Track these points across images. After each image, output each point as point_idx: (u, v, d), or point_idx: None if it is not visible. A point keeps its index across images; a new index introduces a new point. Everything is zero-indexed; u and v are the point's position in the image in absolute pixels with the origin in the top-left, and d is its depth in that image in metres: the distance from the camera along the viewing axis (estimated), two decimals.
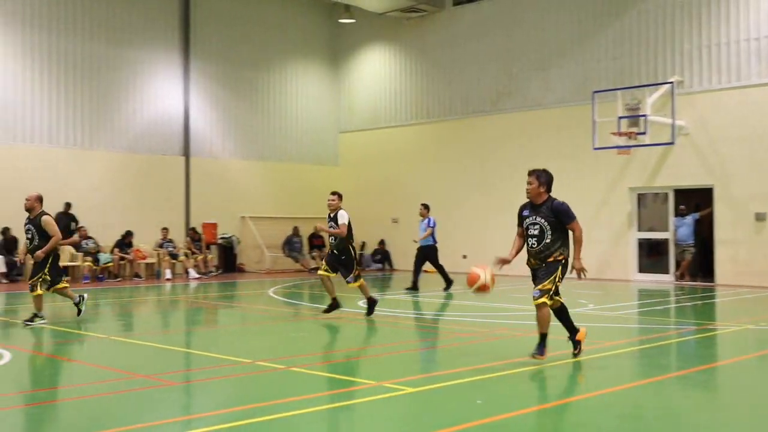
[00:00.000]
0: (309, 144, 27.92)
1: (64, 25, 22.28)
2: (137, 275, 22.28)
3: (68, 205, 20.98)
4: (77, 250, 21.15)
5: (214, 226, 24.81)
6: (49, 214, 11.88)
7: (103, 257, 21.44)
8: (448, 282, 17.57)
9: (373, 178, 27.24)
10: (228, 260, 24.97)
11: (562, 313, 8.40)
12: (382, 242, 26.99)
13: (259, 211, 26.07)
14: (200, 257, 23.45)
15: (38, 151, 21.58)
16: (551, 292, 8.14)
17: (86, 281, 20.71)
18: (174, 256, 22.81)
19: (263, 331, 12.06)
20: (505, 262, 8.42)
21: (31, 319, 11.70)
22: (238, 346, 10.26)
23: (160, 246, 22.97)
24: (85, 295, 12.72)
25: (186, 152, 24.76)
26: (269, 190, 26.56)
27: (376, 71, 27.83)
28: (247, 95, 26.42)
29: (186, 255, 23.17)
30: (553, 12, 23.15)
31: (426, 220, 17.70)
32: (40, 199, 11.93)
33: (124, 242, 22.13)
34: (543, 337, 8.25)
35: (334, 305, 12.50)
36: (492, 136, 24.28)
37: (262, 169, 26.52)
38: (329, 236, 12.62)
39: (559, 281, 8.23)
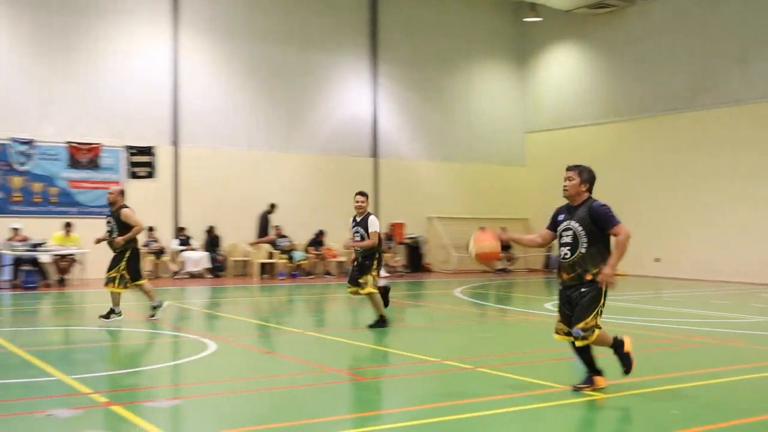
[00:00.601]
0: (495, 144, 27.84)
1: (263, 34, 23.53)
2: (328, 273, 23.13)
3: (272, 206, 22.16)
4: (274, 248, 22.24)
5: (402, 226, 25.28)
6: (129, 207, 11.72)
7: (297, 255, 22.40)
8: None
9: (561, 179, 26.65)
10: (414, 260, 25.37)
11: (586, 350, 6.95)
12: None
13: (445, 212, 26.30)
14: (389, 257, 23.97)
15: (239, 154, 22.92)
16: (597, 326, 6.75)
17: (282, 277, 21.76)
18: None
19: (450, 330, 12.16)
20: (504, 234, 7.41)
21: (107, 316, 11.73)
22: (426, 344, 10.41)
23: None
24: (165, 303, 12.31)
25: (374, 154, 25.43)
26: (455, 191, 26.73)
27: (563, 69, 27.31)
28: (433, 97, 26.74)
29: None
30: (752, 1, 21.76)
31: None
32: (122, 193, 11.96)
33: (317, 241, 23.03)
34: (614, 344, 7.01)
35: (381, 321, 11.24)
36: (687, 135, 23.15)
37: (448, 169, 26.74)
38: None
39: (602, 313, 6.81)
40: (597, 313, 6.74)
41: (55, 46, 20.64)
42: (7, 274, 18.13)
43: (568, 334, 6.92)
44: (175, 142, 22.21)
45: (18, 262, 18.09)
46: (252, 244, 20.22)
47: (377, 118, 25.54)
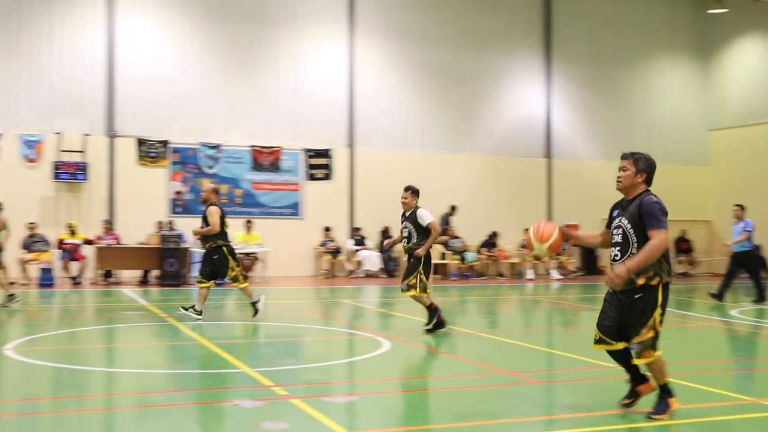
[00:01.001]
0: (675, 143, 26.68)
1: (435, 37, 23.78)
2: (500, 274, 23.03)
3: (453, 208, 22.43)
4: (446, 249, 22.41)
5: (576, 227, 24.74)
6: (217, 206, 11.88)
7: (470, 256, 22.45)
8: (761, 295, 15.51)
9: (748, 179, 25.25)
10: (589, 262, 24.77)
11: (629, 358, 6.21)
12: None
13: None
14: (564, 259, 23.50)
15: (412, 156, 23.27)
16: (655, 341, 5.95)
17: (454, 278, 21.90)
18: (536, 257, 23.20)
19: None
20: (570, 230, 6.71)
21: (190, 310, 11.79)
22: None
23: (523, 247, 23.45)
24: (262, 297, 12.26)
25: (548, 154, 25.06)
26: None
27: (750, 63, 25.79)
28: (609, 94, 26.00)
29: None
30: None
31: (741, 223, 15.67)
32: (215, 191, 12.16)
33: (490, 242, 22.98)
34: (663, 387, 6.14)
35: (437, 321, 10.77)
36: None
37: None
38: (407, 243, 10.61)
39: (661, 323, 5.97)
40: (652, 325, 5.90)
41: (240, 56, 21.81)
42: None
43: (604, 342, 6.18)
44: (351, 145, 22.87)
45: None
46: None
47: (550, 118, 25.15)
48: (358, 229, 22.50)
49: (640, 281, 5.91)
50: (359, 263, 22.02)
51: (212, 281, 11.84)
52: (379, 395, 7.19)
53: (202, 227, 11.81)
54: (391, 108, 23.35)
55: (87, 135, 20.21)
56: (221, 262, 11.71)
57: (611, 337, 6.12)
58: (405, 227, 10.67)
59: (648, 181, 6.14)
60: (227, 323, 12.68)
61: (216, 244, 11.74)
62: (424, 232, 10.46)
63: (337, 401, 6.81)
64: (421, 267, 10.46)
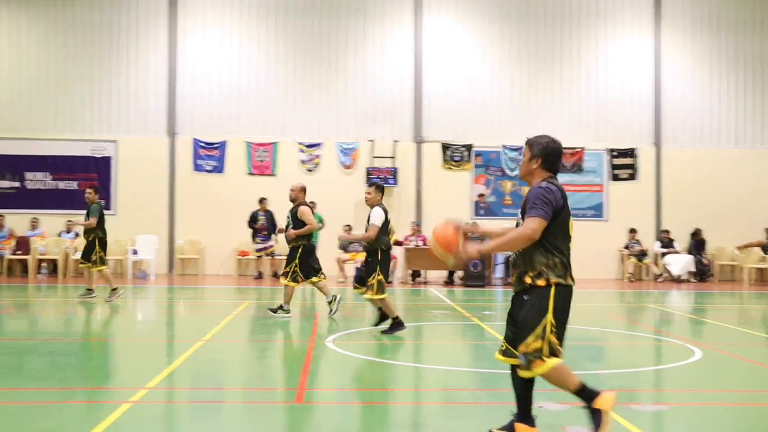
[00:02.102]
0: None
1: (746, 24, 22.02)
2: None
3: None
4: (764, 252, 20.64)
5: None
6: (308, 205, 11.86)
7: None
8: None
9: None
10: None
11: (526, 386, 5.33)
12: None
13: None
14: None
15: (723, 153, 21.74)
16: (542, 353, 5.09)
17: None
18: None
19: None
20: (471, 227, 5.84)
21: (275, 310, 11.92)
22: None
23: None
24: (338, 296, 12.20)
25: None
26: None
27: None
28: None
29: None
30: None
31: None
32: (303, 190, 11.94)
33: None
34: (579, 393, 5.22)
35: (393, 323, 10.52)
36: None
37: None
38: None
39: (553, 333, 5.10)
40: (540, 334, 5.09)
41: (536, 56, 21.78)
42: (500, 271, 19.61)
43: (510, 354, 5.32)
44: (657, 143, 21.88)
45: (509, 261, 19.44)
46: (739, 248, 19.03)
47: None
48: (665, 231, 21.45)
49: (527, 280, 5.17)
50: (666, 267, 20.98)
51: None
52: (691, 406, 6.82)
53: (291, 227, 11.79)
54: (700, 102, 22.00)
55: (396, 141, 21.35)
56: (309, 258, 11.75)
57: (515, 348, 5.25)
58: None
59: (547, 167, 5.29)
60: None
61: (309, 243, 11.90)
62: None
63: (646, 410, 6.56)
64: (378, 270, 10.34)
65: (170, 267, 21.20)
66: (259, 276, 19.89)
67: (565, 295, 5.19)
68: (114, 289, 14.18)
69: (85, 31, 21.27)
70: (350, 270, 19.27)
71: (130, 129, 21.22)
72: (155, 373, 7.79)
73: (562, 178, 22.32)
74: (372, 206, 10.55)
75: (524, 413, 5.42)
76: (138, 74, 21.31)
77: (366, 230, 10.50)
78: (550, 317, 5.12)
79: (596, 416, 5.18)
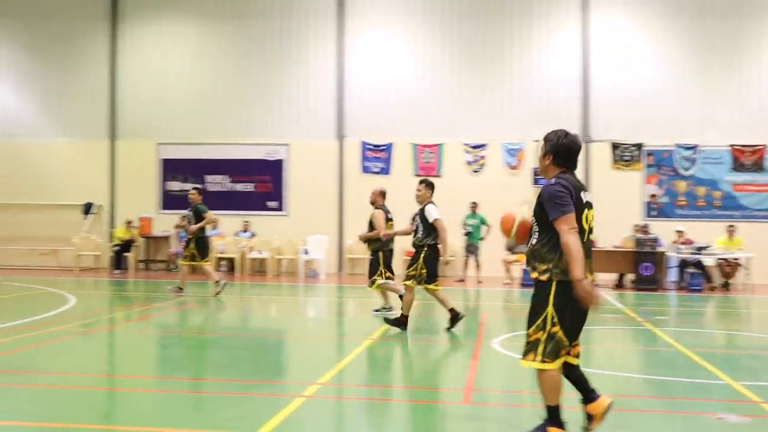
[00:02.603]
0: None
1: None
2: None
3: None
4: None
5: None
6: (383, 209, 11.97)
7: None
8: None
9: None
10: None
11: (572, 375, 5.42)
12: None
13: None
14: None
15: None
16: (539, 349, 5.15)
17: None
18: None
19: None
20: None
21: (378, 309, 12.17)
22: None
23: None
24: (391, 306, 12.24)
25: None
26: None
27: None
28: None
29: None
30: None
31: None
32: (382, 194, 12.11)
33: None
34: (550, 410, 5.27)
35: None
36: None
37: None
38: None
39: (555, 324, 5.09)
40: (540, 325, 5.14)
41: (711, 50, 20.72)
42: (673, 275, 18.81)
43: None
44: None
45: (683, 264, 18.62)
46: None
47: None
48: None
49: (534, 275, 5.25)
50: None
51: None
52: None
53: (368, 231, 11.97)
54: None
55: None
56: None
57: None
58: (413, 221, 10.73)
59: (561, 163, 5.30)
60: (707, 331, 12.15)
61: (386, 249, 12.04)
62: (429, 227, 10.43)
63: None
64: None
65: (340, 266, 21.80)
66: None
67: (568, 290, 5.07)
68: (217, 282, 14.87)
69: (257, 41, 22.25)
70: (517, 271, 19.10)
71: (301, 133, 22.01)
72: (326, 369, 8.06)
73: (739, 177, 21.20)
74: (422, 203, 10.66)
75: (587, 395, 5.52)
76: (308, 80, 22.07)
77: (417, 228, 10.66)
78: (550, 310, 5.16)
79: (589, 421, 5.43)
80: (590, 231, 5.32)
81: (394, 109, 21.67)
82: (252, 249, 21.23)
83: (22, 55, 23.17)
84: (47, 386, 7.25)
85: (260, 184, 22.13)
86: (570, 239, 4.99)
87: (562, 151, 5.32)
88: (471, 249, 19.48)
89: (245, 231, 21.60)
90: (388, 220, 11.99)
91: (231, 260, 21.21)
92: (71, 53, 22.94)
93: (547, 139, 5.41)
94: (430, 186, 10.84)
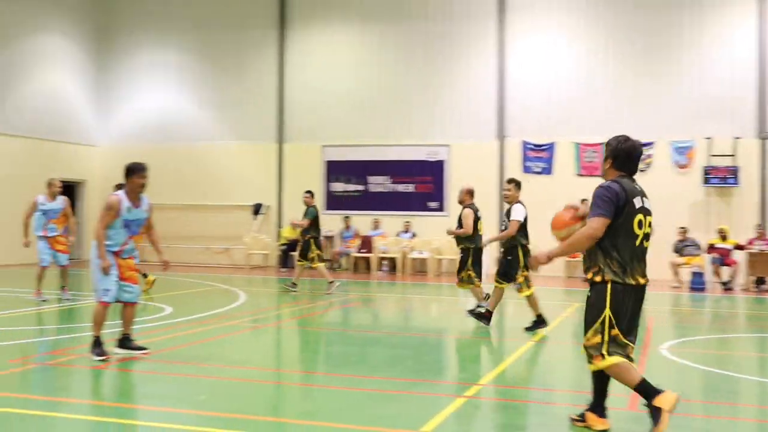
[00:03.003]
0: None
1: None
2: None
3: None
4: None
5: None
6: (471, 208, 11.82)
7: None
8: None
9: None
10: None
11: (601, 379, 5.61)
12: None
13: None
14: None
15: None
16: (602, 348, 5.38)
17: None
18: None
19: None
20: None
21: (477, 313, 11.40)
22: None
23: None
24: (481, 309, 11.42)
25: None
26: None
27: None
28: None
29: None
30: None
31: None
32: (469, 193, 12.00)
33: None
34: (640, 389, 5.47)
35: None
36: None
37: None
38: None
39: (613, 326, 5.34)
40: (596, 329, 5.44)
41: None
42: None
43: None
44: None
45: None
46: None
47: None
48: None
49: (589, 276, 5.54)
50: None
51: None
52: None
53: (457, 228, 11.88)
54: None
55: (737, 138, 19.87)
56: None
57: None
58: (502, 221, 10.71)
59: (619, 166, 5.62)
60: None
61: (476, 247, 11.84)
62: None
63: None
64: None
65: None
66: None
67: (622, 292, 5.39)
68: (330, 282, 15.05)
69: (419, 43, 22.50)
70: (686, 275, 18.31)
71: (462, 134, 22.05)
72: (487, 370, 8.06)
73: None
74: (511, 203, 10.86)
75: (597, 403, 5.74)
76: (469, 81, 22.08)
77: (504, 227, 10.90)
78: (607, 312, 5.39)
79: (655, 414, 5.37)
80: (646, 237, 5.54)
81: (555, 108, 21.32)
82: (413, 249, 21.49)
83: (198, 65, 24.55)
84: (220, 378, 7.66)
85: (421, 184, 22.36)
86: (584, 233, 5.42)
87: (621, 155, 5.62)
88: None
89: (406, 231, 21.90)
90: (477, 219, 11.95)
91: (392, 260, 21.56)
92: (242, 61, 24.08)
93: (608, 143, 5.72)
94: (519, 185, 11.14)
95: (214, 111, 24.41)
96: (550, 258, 5.61)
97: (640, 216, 5.46)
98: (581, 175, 21.03)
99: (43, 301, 12.88)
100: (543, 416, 6.50)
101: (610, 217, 5.36)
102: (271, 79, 23.73)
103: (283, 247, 22.32)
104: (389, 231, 22.10)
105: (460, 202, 12.14)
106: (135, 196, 8.20)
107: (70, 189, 22.21)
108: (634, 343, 5.53)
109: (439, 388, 7.44)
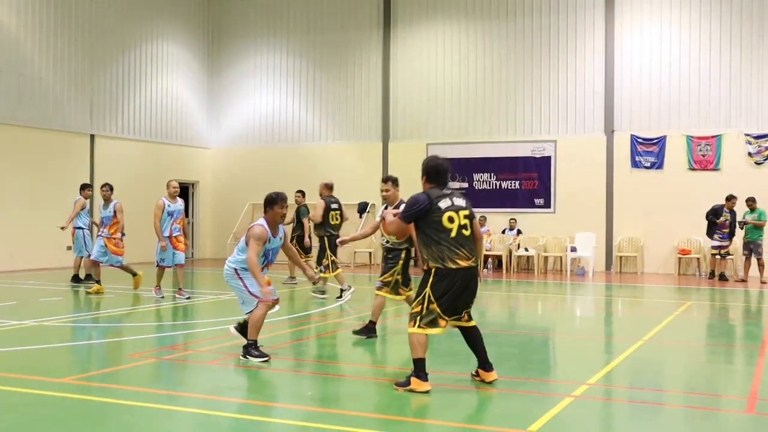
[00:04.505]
0: None
1: None
2: None
3: None
4: None
5: None
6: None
7: None
8: None
9: None
10: None
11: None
12: None
13: None
14: None
15: None
16: (417, 317, 6.82)
17: None
18: None
19: None
20: None
21: None
22: None
23: None
24: None
25: None
26: None
27: None
28: None
29: None
30: None
31: None
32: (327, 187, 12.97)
33: None
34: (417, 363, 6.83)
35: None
36: None
37: None
38: None
39: (432, 302, 6.75)
40: (421, 300, 6.82)
41: None
42: None
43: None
44: None
45: None
46: None
47: None
48: None
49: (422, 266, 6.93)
50: None
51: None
52: None
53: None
54: None
55: None
56: None
57: None
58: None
59: (428, 179, 6.98)
60: None
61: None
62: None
63: None
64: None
65: (608, 265, 21.22)
66: (712, 275, 18.82)
67: (439, 276, 6.74)
68: (342, 290, 14.25)
69: (526, 38, 22.26)
70: None
71: (568, 129, 21.71)
72: (595, 369, 7.93)
73: None
74: (392, 203, 9.63)
75: (481, 361, 7.21)
76: (576, 75, 21.69)
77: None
78: (428, 290, 6.76)
79: (407, 380, 6.82)
80: (462, 227, 6.87)
81: (666, 101, 20.72)
82: (518, 246, 21.29)
83: (304, 67, 25.02)
84: (328, 374, 7.81)
85: (526, 181, 22.12)
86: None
87: (431, 171, 7.06)
88: (752, 247, 18.11)
89: (511, 229, 21.72)
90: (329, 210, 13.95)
91: (498, 258, 21.42)
92: (347, 62, 24.40)
93: (424, 163, 7.11)
94: (397, 183, 9.98)
95: (319, 112, 24.83)
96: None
97: (449, 213, 6.77)
98: (693, 170, 20.38)
99: (161, 297, 13.44)
100: (654, 418, 6.36)
101: (408, 222, 6.90)
102: (375, 78, 23.96)
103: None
104: (494, 228, 21.97)
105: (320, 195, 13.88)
106: (274, 226, 8.36)
107: (184, 190, 23.08)
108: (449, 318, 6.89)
109: (546, 387, 7.37)
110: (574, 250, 20.52)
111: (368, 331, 9.69)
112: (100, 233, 14.69)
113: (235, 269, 8.30)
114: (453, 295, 6.76)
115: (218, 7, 26.23)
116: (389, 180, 9.74)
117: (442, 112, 23.10)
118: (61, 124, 21.17)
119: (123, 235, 14.71)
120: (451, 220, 6.76)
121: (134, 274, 14.62)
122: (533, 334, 11.09)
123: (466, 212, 6.90)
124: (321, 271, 13.82)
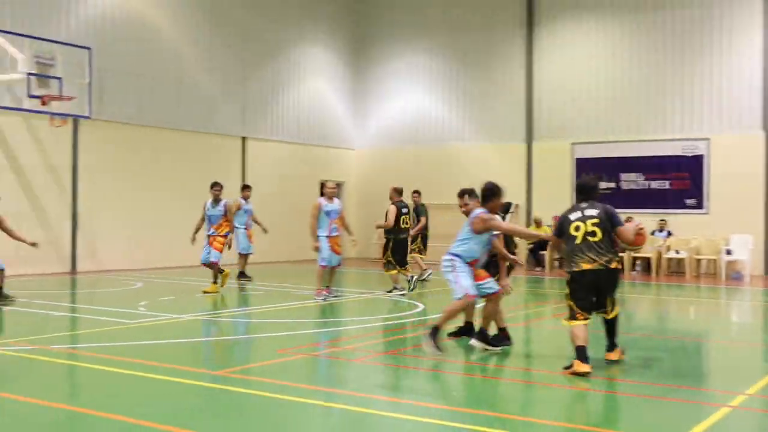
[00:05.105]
0: None
1: None
2: None
3: None
4: None
5: None
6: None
7: None
8: None
9: None
10: None
11: None
12: None
13: None
14: None
15: None
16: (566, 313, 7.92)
17: None
18: None
19: None
20: None
21: None
22: None
23: None
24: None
25: None
26: None
27: None
28: None
29: None
30: None
31: None
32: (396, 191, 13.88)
33: None
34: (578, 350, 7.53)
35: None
36: None
37: None
38: None
39: (569, 299, 7.78)
40: (565, 298, 7.91)
41: None
42: None
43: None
44: None
45: None
46: None
47: None
48: None
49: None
50: None
51: None
52: None
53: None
54: None
55: None
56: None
57: None
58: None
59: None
60: None
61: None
62: None
63: None
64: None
65: (767, 269, 20.14)
66: None
67: (573, 278, 7.64)
68: (391, 290, 14.14)
69: (675, 32, 21.43)
70: None
71: (722, 126, 20.74)
72: (755, 378, 7.58)
73: None
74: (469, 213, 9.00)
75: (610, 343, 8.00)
76: (731, 70, 20.68)
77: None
78: (567, 290, 7.69)
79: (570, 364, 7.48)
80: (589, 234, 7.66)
81: None
82: (669, 249, 20.54)
83: (447, 68, 25.10)
84: (462, 374, 7.83)
85: (677, 181, 21.32)
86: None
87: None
88: None
89: (661, 230, 20.98)
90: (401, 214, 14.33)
91: (647, 260, 20.74)
92: (490, 62, 24.29)
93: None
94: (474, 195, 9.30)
95: (462, 112, 24.84)
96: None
97: (576, 223, 7.65)
98: None
99: (323, 300, 13.26)
100: None
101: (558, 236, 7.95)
102: (518, 78, 23.73)
103: (531, 246, 22.19)
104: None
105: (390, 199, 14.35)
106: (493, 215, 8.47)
107: None
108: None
109: (700, 396, 7.10)
110: (729, 252, 19.60)
111: (486, 337, 8.86)
112: (208, 231, 14.64)
113: (453, 261, 8.44)
114: (582, 293, 7.58)
115: (363, 9, 26.71)
116: (465, 194, 9.01)
117: (587, 111, 22.60)
118: (215, 127, 22.20)
119: (228, 233, 14.58)
120: (577, 228, 7.59)
121: (221, 272, 14.42)
122: (685, 339, 10.71)
123: (595, 220, 7.55)
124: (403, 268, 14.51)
